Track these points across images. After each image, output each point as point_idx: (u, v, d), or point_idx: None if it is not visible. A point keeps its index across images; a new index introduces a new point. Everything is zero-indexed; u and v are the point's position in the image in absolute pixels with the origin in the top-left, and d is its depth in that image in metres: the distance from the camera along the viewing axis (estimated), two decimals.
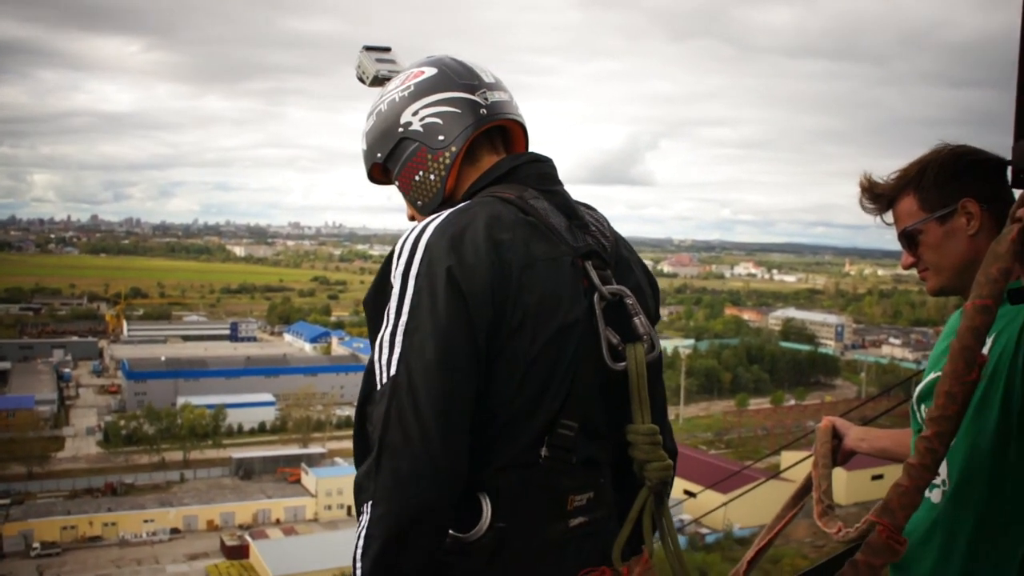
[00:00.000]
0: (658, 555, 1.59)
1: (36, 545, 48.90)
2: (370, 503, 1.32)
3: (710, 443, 74.74)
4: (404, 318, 1.38)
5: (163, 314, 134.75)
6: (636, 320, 1.51)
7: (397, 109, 1.65)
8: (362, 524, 1.33)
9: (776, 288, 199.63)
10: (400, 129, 1.64)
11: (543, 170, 1.62)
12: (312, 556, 41.31)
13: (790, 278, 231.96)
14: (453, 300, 1.36)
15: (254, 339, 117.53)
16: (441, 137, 1.61)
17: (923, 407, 1.85)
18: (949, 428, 1.36)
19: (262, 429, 75.98)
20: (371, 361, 1.42)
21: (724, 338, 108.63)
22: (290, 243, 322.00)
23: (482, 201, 1.52)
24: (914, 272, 1.85)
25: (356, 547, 1.33)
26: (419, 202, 1.67)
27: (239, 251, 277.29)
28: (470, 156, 1.64)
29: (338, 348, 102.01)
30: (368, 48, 1.84)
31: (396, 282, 1.42)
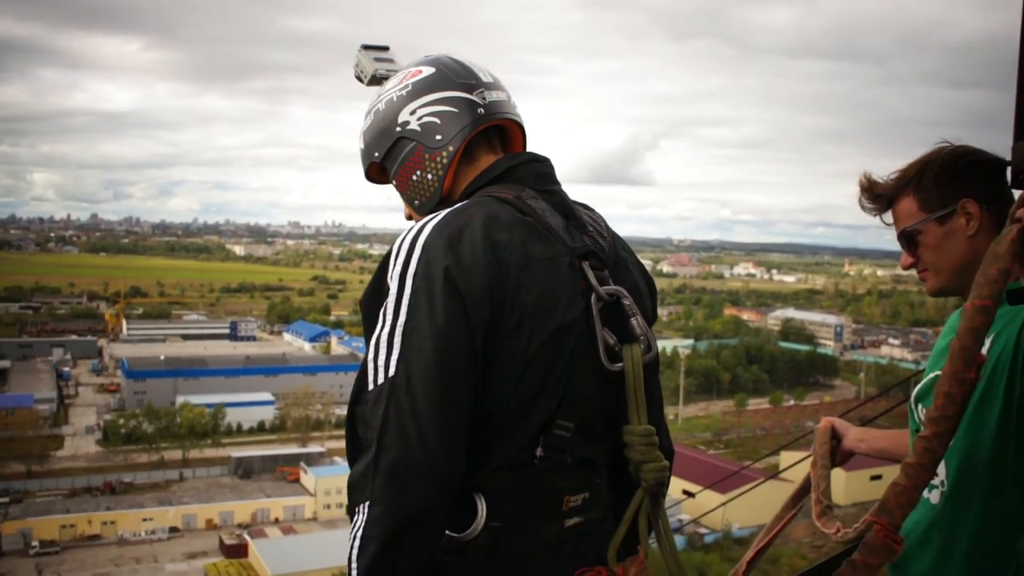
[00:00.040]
0: (655, 556, 1.58)
1: (35, 543, 48.91)
2: (367, 503, 1.31)
3: (709, 443, 74.78)
4: (402, 318, 1.38)
5: (162, 313, 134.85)
6: (633, 321, 1.51)
7: (395, 108, 1.65)
8: (357, 524, 1.33)
9: (775, 288, 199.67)
10: (397, 128, 1.64)
11: (541, 170, 1.62)
12: (311, 555, 41.33)
13: (789, 278, 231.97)
14: (451, 300, 1.36)
15: (253, 338, 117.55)
16: (438, 137, 1.61)
17: (921, 407, 1.86)
18: (947, 428, 1.36)
19: (261, 428, 76.01)
20: (364, 361, 1.42)
21: (723, 338, 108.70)
22: (290, 242, 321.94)
23: (479, 201, 1.51)
24: (913, 272, 1.85)
25: (351, 547, 1.32)
26: (416, 201, 1.66)
27: (239, 250, 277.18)
28: (468, 156, 1.63)
29: (337, 347, 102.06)
30: (366, 47, 1.83)
31: (393, 282, 1.41)
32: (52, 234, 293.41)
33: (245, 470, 63.49)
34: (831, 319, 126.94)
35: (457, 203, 1.53)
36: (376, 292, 1.46)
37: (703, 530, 45.84)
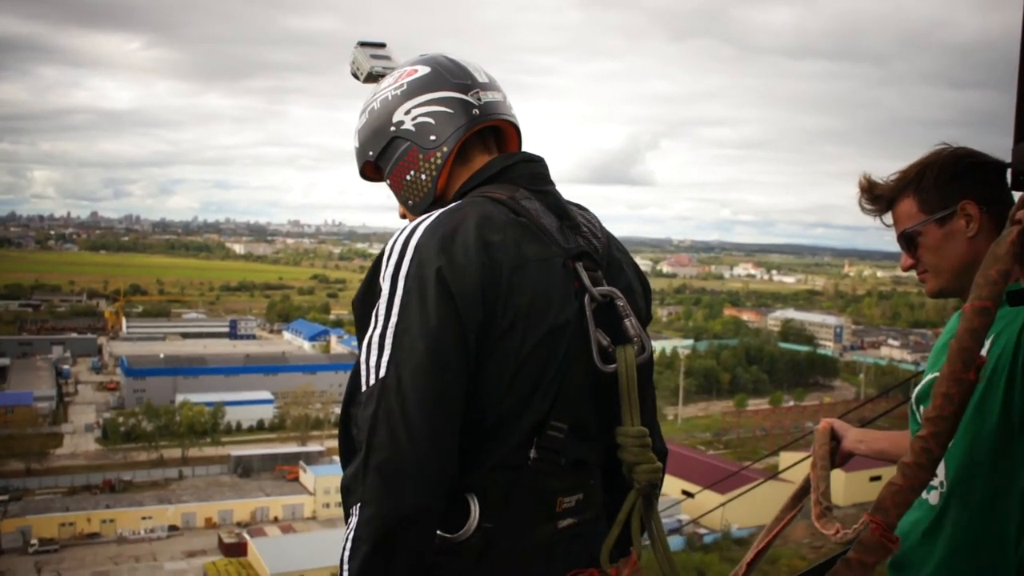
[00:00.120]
0: (649, 557, 1.58)
1: (34, 542, 48.92)
2: (358, 505, 1.31)
3: (709, 443, 74.80)
4: (394, 319, 1.37)
5: (162, 311, 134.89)
6: (627, 322, 1.51)
7: (389, 107, 1.64)
8: (350, 526, 1.33)
9: (775, 289, 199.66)
10: (392, 128, 1.63)
11: (535, 170, 1.61)
12: (310, 554, 41.36)
13: (789, 279, 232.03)
14: (443, 301, 1.35)
15: (253, 337, 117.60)
16: (433, 137, 1.60)
17: (921, 408, 1.85)
18: (945, 428, 1.35)
19: (261, 427, 76.04)
20: (357, 362, 1.41)
21: (723, 338, 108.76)
22: (290, 241, 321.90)
23: (473, 201, 1.51)
24: (913, 274, 1.85)
25: (344, 549, 1.33)
26: (410, 201, 1.66)
27: (239, 249, 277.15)
28: (462, 156, 1.63)
29: (337, 346, 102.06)
30: (363, 44, 1.83)
31: (385, 283, 1.41)
32: (52, 232, 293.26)
33: (244, 469, 63.52)
34: (831, 320, 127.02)
35: (451, 203, 1.52)
36: (369, 293, 1.46)
37: (702, 530, 45.86)
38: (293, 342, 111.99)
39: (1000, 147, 1.69)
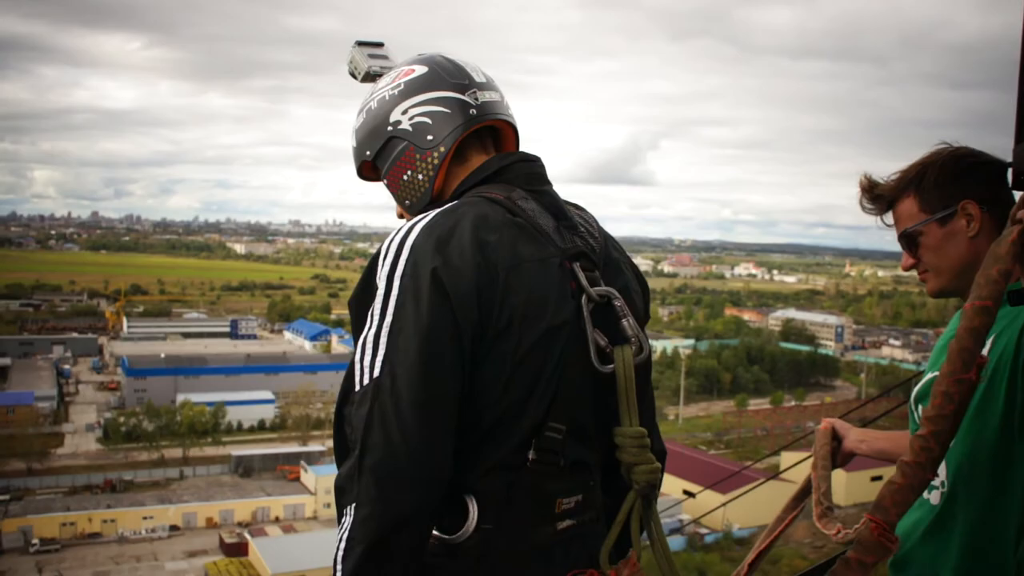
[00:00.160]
0: (649, 558, 1.58)
1: (35, 541, 48.92)
2: (353, 506, 1.32)
3: (710, 443, 74.75)
4: (388, 319, 1.37)
5: (163, 311, 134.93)
6: (624, 322, 1.50)
7: (387, 107, 1.64)
8: (344, 527, 1.33)
9: (776, 289, 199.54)
10: (389, 128, 1.63)
11: (532, 170, 1.61)
12: (311, 554, 41.28)
13: (790, 279, 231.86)
14: (438, 301, 1.35)
15: (254, 337, 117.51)
16: (430, 137, 1.60)
17: (920, 407, 1.85)
18: (945, 427, 1.35)
19: (262, 427, 76.02)
20: (352, 362, 1.41)
21: (724, 338, 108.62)
22: (291, 241, 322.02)
23: (469, 201, 1.51)
24: (914, 274, 1.85)
25: (338, 550, 1.33)
26: (407, 201, 1.66)
27: (239, 248, 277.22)
28: (459, 156, 1.62)
29: (338, 346, 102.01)
30: (361, 43, 1.82)
31: (381, 283, 1.41)
32: (53, 232, 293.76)
33: (245, 468, 63.52)
34: (832, 320, 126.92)
35: (448, 203, 1.52)
36: (364, 292, 1.46)
37: (703, 530, 45.83)
38: (294, 342, 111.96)
39: (1000, 147, 1.70)
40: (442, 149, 1.60)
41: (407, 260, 1.39)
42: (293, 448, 67.32)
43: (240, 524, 53.54)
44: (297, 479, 60.49)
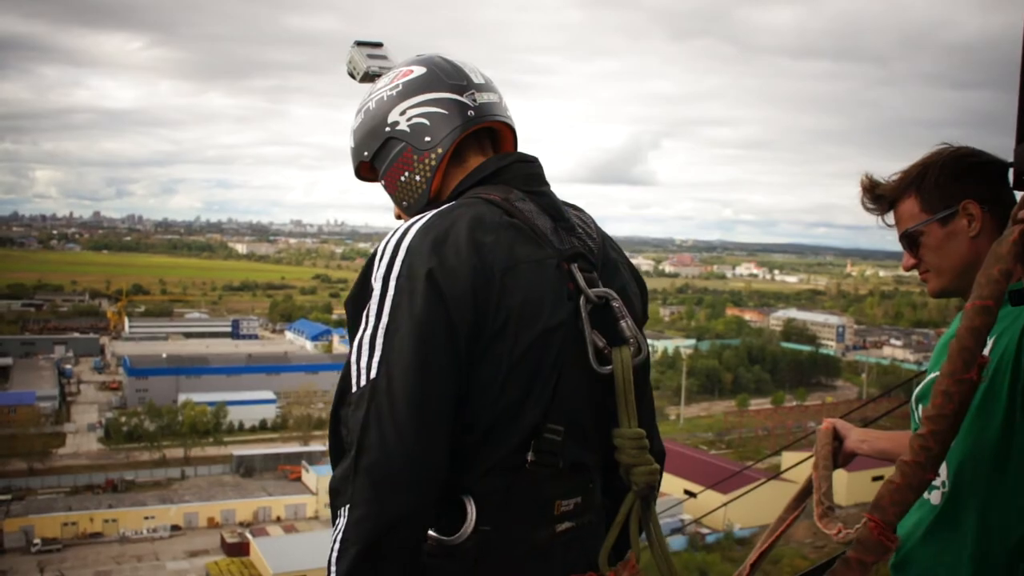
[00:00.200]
0: (648, 560, 1.57)
1: (37, 541, 48.94)
2: (347, 507, 1.31)
3: (711, 443, 74.70)
4: (384, 320, 1.37)
5: (165, 311, 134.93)
6: (622, 323, 1.49)
7: (385, 108, 1.64)
8: (338, 528, 1.32)
9: (777, 289, 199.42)
10: (387, 129, 1.63)
11: (529, 171, 1.60)
12: (312, 554, 41.25)
13: (792, 279, 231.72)
14: (433, 302, 1.35)
15: (255, 337, 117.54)
16: (428, 138, 1.60)
17: (921, 407, 1.85)
18: (945, 427, 1.34)
19: (263, 427, 76.03)
20: (347, 363, 1.41)
21: (725, 338, 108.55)
22: (292, 241, 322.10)
23: (466, 202, 1.50)
24: (915, 274, 1.84)
25: (332, 551, 1.32)
26: (405, 202, 1.66)
27: (241, 248, 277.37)
28: (457, 157, 1.62)
29: (339, 346, 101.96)
30: (360, 43, 1.82)
31: (377, 284, 1.40)
32: (55, 231, 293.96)
33: (247, 468, 63.54)
34: (833, 320, 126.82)
35: (445, 204, 1.52)
36: (361, 293, 1.45)
37: (705, 530, 45.80)
38: (295, 342, 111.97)
39: (1001, 147, 1.70)
40: (440, 150, 1.59)
41: (403, 261, 1.39)
42: (294, 448, 67.32)
43: (241, 524, 53.56)
44: (298, 479, 60.49)
